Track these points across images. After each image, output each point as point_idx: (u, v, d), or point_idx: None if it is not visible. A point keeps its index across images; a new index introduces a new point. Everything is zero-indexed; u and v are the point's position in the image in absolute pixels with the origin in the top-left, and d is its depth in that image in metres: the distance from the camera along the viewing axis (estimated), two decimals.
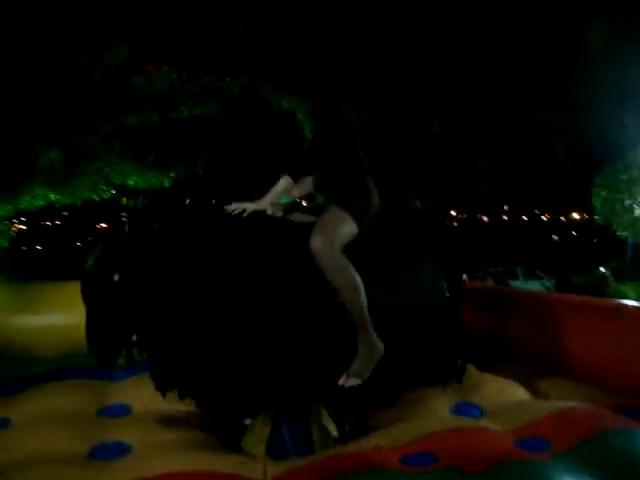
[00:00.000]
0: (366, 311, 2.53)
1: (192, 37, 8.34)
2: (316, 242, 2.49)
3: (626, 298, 7.37)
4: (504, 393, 3.03)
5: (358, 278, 2.52)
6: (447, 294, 2.82)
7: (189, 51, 8.43)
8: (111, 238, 2.62)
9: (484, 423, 2.66)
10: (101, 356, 2.62)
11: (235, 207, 2.62)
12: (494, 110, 14.53)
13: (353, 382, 2.53)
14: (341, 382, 2.52)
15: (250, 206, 2.64)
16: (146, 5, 7.86)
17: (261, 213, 2.68)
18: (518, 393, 3.07)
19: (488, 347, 3.88)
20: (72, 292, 3.31)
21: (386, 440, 2.46)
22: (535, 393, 3.12)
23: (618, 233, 7.16)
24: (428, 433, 2.45)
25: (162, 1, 8.07)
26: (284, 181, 2.74)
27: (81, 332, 2.63)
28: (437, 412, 2.80)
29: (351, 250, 2.59)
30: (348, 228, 2.62)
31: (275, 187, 2.74)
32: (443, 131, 13.80)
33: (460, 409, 2.86)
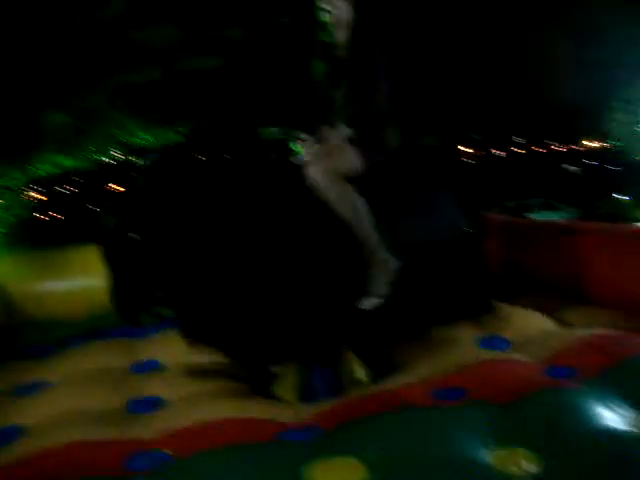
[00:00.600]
0: (371, 233, 2.53)
1: None
2: (310, 169, 2.50)
3: None
4: (530, 324, 3.03)
5: (358, 200, 2.52)
6: (468, 229, 2.79)
7: (186, 2, 8.20)
8: (127, 196, 2.60)
9: (512, 355, 2.67)
10: (127, 314, 2.64)
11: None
12: (504, 40, 14.08)
13: (372, 303, 2.53)
14: (362, 306, 2.53)
15: None
16: None
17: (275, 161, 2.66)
18: (544, 324, 3.06)
19: (513, 280, 3.86)
20: (94, 255, 3.33)
21: (415, 377, 2.48)
22: (561, 323, 3.12)
23: (636, 157, 7.00)
24: (457, 368, 2.47)
25: None
26: (326, 131, 2.71)
27: (105, 294, 2.65)
28: (465, 347, 2.81)
29: (368, 188, 2.55)
30: (349, 163, 2.57)
31: (319, 138, 2.73)
32: (453, 64, 13.43)
33: (488, 342, 2.86)
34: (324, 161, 2.52)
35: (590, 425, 1.92)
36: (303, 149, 2.73)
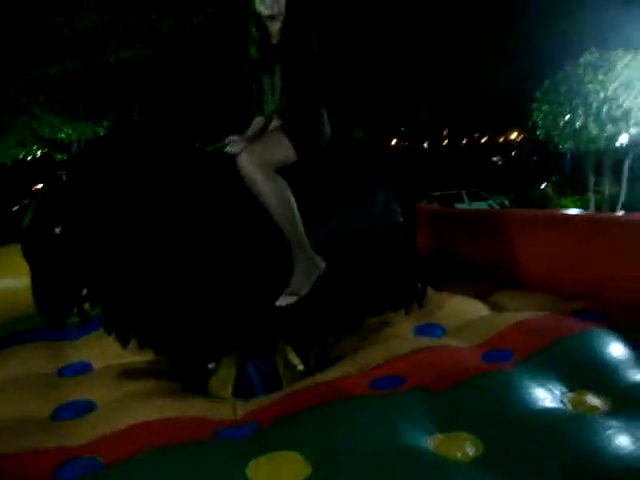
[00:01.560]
0: (300, 228, 2.47)
1: None
2: (242, 158, 2.42)
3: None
4: (464, 310, 3.09)
5: (288, 194, 2.45)
6: (400, 219, 2.79)
7: None
8: (48, 190, 2.46)
9: (448, 341, 2.71)
10: (51, 315, 2.51)
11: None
12: (429, 33, 14.34)
13: (289, 300, 2.46)
14: (278, 302, 2.46)
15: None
16: None
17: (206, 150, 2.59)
18: (477, 309, 3.13)
19: (444, 268, 3.93)
20: (12, 256, 3.16)
21: (353, 367, 2.48)
22: (494, 307, 3.19)
23: (560, 147, 7.27)
24: (394, 356, 2.48)
25: None
26: (259, 120, 2.71)
27: (28, 295, 2.51)
28: (401, 335, 2.84)
29: (301, 179, 2.53)
30: (283, 152, 2.53)
31: (253, 127, 2.73)
32: (381, 55, 13.55)
33: (423, 330, 2.90)
34: (256, 150, 2.46)
35: (525, 405, 1.97)
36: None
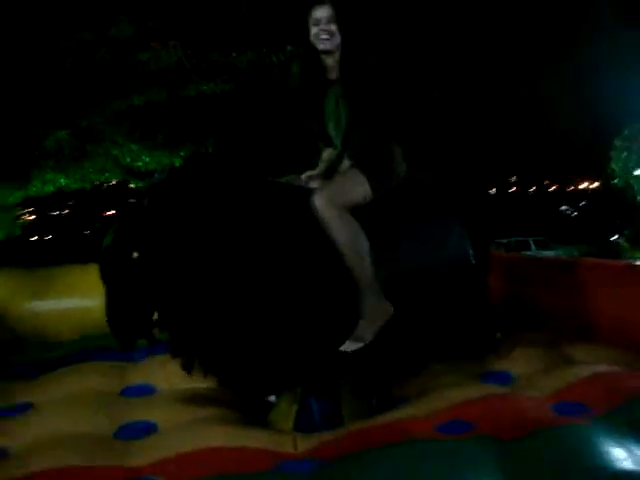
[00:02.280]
0: (370, 272, 2.43)
1: (196, 12, 8.17)
2: (318, 198, 2.40)
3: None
4: (534, 360, 2.97)
5: (363, 238, 2.43)
6: (473, 261, 2.73)
7: (194, 26, 8.27)
8: (129, 214, 2.54)
9: (516, 390, 2.61)
10: (122, 336, 2.56)
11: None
12: (502, 81, 14.29)
13: (355, 346, 2.41)
14: (344, 348, 2.42)
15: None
16: None
17: (284, 184, 2.64)
18: (548, 359, 3.00)
19: (515, 315, 3.81)
20: (89, 275, 3.27)
21: (418, 411, 2.40)
22: (564, 359, 3.06)
23: (638, 198, 7.02)
24: (461, 402, 2.39)
25: None
26: (328, 153, 2.74)
27: (100, 315, 2.58)
28: (468, 381, 2.74)
29: (373, 216, 2.52)
30: (360, 191, 2.50)
31: (324, 161, 2.76)
32: (452, 101, 13.59)
33: (491, 377, 2.80)
34: (333, 191, 2.46)
35: (601, 464, 1.85)
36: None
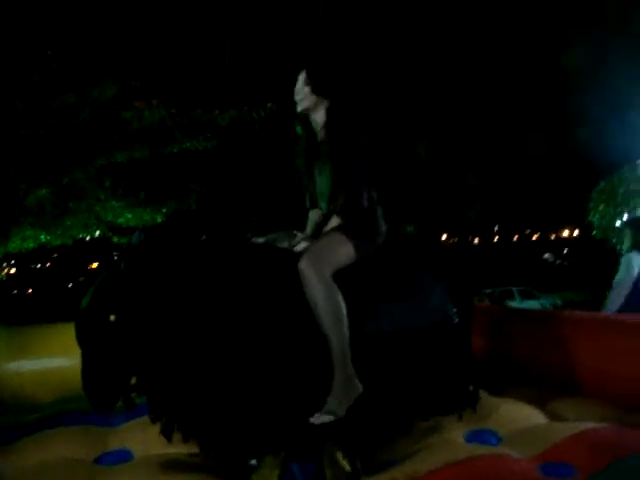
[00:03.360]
0: (347, 345, 2.40)
1: (178, 70, 8.34)
2: (304, 262, 2.41)
3: None
4: (519, 417, 2.93)
5: (343, 309, 2.41)
6: (456, 319, 2.72)
7: (176, 85, 8.43)
8: (106, 276, 2.51)
9: (503, 450, 2.56)
10: (98, 400, 2.50)
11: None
12: (482, 130, 14.61)
13: (325, 419, 2.37)
14: (312, 420, 2.37)
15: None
16: (132, 40, 7.87)
17: (265, 245, 2.63)
18: (533, 416, 2.96)
19: (498, 370, 3.78)
20: (69, 334, 3.20)
21: (402, 472, 2.35)
22: (550, 415, 3.02)
23: (618, 247, 7.15)
24: (445, 463, 2.34)
25: (147, 35, 8.08)
26: (315, 214, 2.81)
27: (77, 376, 2.52)
28: (451, 441, 2.69)
29: (353, 274, 2.52)
30: (345, 253, 2.52)
31: (310, 223, 2.84)
32: (431, 151, 13.82)
33: (476, 437, 2.75)
34: (318, 254, 2.45)
35: None
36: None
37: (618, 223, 6.83)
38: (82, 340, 2.45)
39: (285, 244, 2.68)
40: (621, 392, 3.13)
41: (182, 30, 8.57)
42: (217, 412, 2.39)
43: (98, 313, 2.39)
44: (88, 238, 11.09)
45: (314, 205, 2.88)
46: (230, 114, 8.69)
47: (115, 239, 10.14)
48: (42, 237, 9.11)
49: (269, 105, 8.76)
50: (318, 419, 2.37)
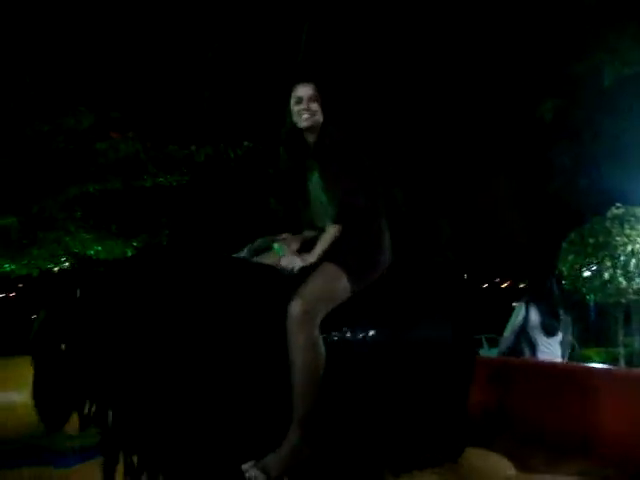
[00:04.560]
0: (312, 405, 2.20)
1: (156, 104, 8.35)
2: (295, 309, 2.21)
3: (592, 363, 7.35)
4: (489, 471, 2.86)
5: (321, 370, 2.22)
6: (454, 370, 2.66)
7: (153, 118, 8.41)
8: (58, 303, 2.38)
9: None
10: (49, 419, 2.35)
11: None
12: (456, 178, 14.84)
13: (256, 474, 2.13)
14: (244, 468, 2.15)
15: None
16: (110, 72, 7.87)
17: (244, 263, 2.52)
18: (504, 470, 2.90)
19: (472, 421, 3.70)
20: (23, 368, 3.05)
21: None
22: (523, 468, 2.95)
23: (587, 297, 7.27)
24: None
25: (126, 67, 8.10)
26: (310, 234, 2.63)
27: (26, 411, 2.40)
28: None
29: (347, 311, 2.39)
30: (342, 289, 2.35)
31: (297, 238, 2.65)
32: (406, 199, 13.95)
33: None
34: (308, 294, 2.26)
35: None
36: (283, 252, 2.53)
37: (587, 274, 6.96)
38: (35, 364, 2.33)
39: (269, 260, 2.53)
40: (600, 444, 3.09)
41: (163, 65, 8.60)
42: (183, 445, 2.24)
43: (49, 340, 2.27)
44: (56, 269, 10.87)
45: (310, 227, 2.73)
46: (206, 150, 8.67)
47: (82, 270, 9.95)
48: (6, 266, 8.88)
49: (245, 143, 8.78)
50: (251, 471, 2.14)
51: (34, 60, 7.31)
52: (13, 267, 8.99)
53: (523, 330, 4.59)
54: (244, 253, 2.66)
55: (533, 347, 4.56)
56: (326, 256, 2.42)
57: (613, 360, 8.57)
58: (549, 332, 4.59)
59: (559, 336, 4.62)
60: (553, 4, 9.14)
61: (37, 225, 8.33)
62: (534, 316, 4.62)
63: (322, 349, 2.25)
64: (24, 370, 3.82)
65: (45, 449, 2.68)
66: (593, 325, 13.80)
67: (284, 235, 2.66)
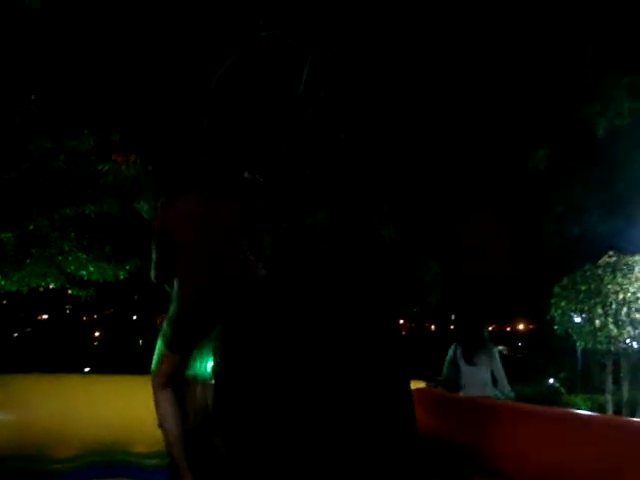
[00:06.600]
0: (182, 453, 2.32)
1: (158, 128, 8.42)
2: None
3: (578, 409, 7.35)
4: None
5: (176, 416, 2.35)
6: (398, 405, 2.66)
7: (155, 142, 8.48)
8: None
9: None
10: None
11: None
12: (445, 218, 14.92)
13: None
14: None
15: None
16: (113, 94, 7.96)
17: None
18: None
19: (442, 458, 3.70)
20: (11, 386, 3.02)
21: None
22: None
23: (578, 344, 7.33)
24: None
25: (130, 91, 8.19)
26: None
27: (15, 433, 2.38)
28: None
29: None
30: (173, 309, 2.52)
31: None
32: (396, 235, 13.99)
33: None
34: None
35: None
36: None
37: (578, 320, 7.03)
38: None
39: None
40: None
41: (165, 93, 8.71)
42: None
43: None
44: (43, 288, 10.80)
45: None
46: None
47: (73, 292, 9.89)
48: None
49: (246, 174, 8.83)
50: None
51: (40, 79, 7.41)
52: (3, 283, 8.95)
53: (453, 362, 5.52)
54: None
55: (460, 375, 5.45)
56: None
57: (599, 408, 8.57)
58: (472, 363, 5.46)
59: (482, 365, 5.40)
60: (551, 54, 9.36)
61: (32, 242, 8.32)
62: (459, 351, 5.55)
63: (173, 402, 2.41)
64: (9, 388, 3.79)
65: (34, 473, 2.64)
66: (581, 372, 13.81)
67: None
